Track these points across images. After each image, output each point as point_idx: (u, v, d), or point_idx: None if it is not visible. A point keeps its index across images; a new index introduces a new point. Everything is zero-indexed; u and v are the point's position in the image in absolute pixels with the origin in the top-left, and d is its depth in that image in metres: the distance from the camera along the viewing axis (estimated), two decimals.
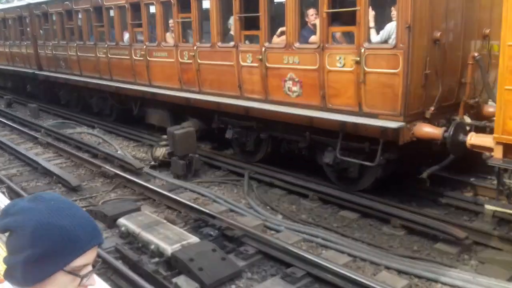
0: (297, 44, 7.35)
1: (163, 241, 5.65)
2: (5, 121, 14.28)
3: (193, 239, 5.71)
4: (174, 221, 6.64)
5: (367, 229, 6.44)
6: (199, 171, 8.95)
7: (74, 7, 13.32)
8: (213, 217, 6.51)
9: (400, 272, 5.27)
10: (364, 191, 7.18)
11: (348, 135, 6.94)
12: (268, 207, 7.34)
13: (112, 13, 11.97)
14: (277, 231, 6.44)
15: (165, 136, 9.32)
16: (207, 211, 6.73)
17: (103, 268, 5.35)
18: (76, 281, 1.27)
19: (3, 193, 7.66)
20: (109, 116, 13.47)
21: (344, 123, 6.78)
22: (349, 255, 5.66)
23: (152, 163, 9.60)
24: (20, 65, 17.45)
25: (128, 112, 12.45)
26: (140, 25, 10.90)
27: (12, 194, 7.79)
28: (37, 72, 15.89)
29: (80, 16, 13.35)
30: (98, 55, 12.59)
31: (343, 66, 6.78)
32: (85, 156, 10.25)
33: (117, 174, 8.72)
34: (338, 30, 7.18)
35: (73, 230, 1.23)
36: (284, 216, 6.99)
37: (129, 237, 6.13)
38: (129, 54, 11.31)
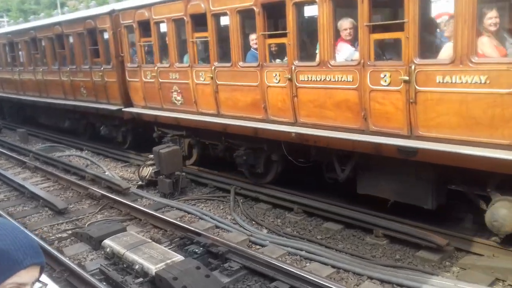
0: None
1: (147, 260, 5.66)
2: None
3: (178, 257, 5.73)
4: (159, 240, 6.66)
5: (350, 239, 6.50)
6: (185, 189, 8.99)
7: (212, 8, 8.16)
8: (198, 234, 6.54)
9: (382, 281, 5.31)
10: (347, 202, 7.25)
11: None
12: (253, 222, 7.39)
13: (312, 10, 7.18)
14: (262, 245, 6.48)
15: (151, 156, 9.36)
16: (192, 228, 6.76)
17: None
18: None
19: None
20: (263, 176, 8.57)
21: None
22: (333, 266, 5.70)
23: (140, 182, 9.64)
24: (88, 98, 12.68)
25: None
26: (397, 27, 5.93)
27: None
28: (124, 109, 11.15)
29: (225, 21, 8.35)
30: (267, 83, 7.42)
31: None
32: (73, 178, 10.27)
33: (104, 195, 8.73)
34: None
35: (5, 250, 1.26)
36: (269, 231, 7.03)
37: (114, 258, 6.13)
38: (358, 82, 6.19)
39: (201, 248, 6.20)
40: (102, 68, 11.77)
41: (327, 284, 4.95)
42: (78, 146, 13.83)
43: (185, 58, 9.15)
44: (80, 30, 12.32)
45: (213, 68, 8.36)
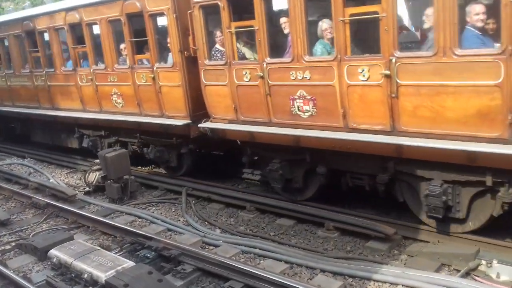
0: None
1: (96, 268, 5.48)
2: None
3: (128, 263, 5.58)
4: (109, 247, 6.46)
5: (303, 234, 6.57)
6: (135, 193, 8.78)
7: None
8: (149, 238, 6.40)
9: (335, 273, 5.40)
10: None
11: None
12: (206, 223, 7.32)
13: None
14: (216, 246, 6.42)
15: (97, 160, 9.06)
16: (143, 233, 6.61)
17: None
18: None
19: None
20: (461, 222, 5.88)
21: None
22: (286, 262, 5.74)
23: (86, 189, 9.31)
24: (124, 109, 9.43)
25: None
26: None
27: None
28: (201, 124, 7.95)
29: None
30: None
31: None
32: (15, 187, 9.78)
33: (48, 204, 8.38)
34: None
35: None
36: (222, 230, 6.99)
37: (61, 268, 5.90)
38: None
39: (153, 253, 6.09)
40: (154, 68, 8.42)
41: (280, 280, 4.98)
42: (19, 153, 13.18)
43: (318, 47, 6.41)
44: (114, 16, 8.89)
45: (393, 60, 5.52)
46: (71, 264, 5.74)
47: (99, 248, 6.18)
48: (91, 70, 9.77)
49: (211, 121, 7.81)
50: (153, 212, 7.95)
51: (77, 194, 8.93)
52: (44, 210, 8.34)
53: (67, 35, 10.22)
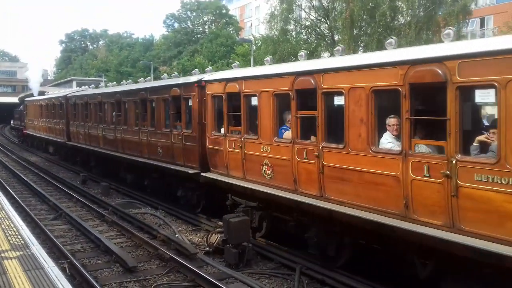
0: None
1: None
2: (78, 197, 15.27)
3: None
4: None
5: None
6: (251, 261, 8.92)
7: None
8: None
9: None
10: None
11: None
12: None
13: None
14: None
15: (221, 223, 9.49)
16: None
17: None
18: None
19: (64, 268, 8.10)
20: None
21: None
22: None
23: (207, 249, 9.73)
24: None
25: None
26: None
27: (73, 270, 8.19)
28: None
29: None
30: None
31: None
32: (145, 236, 10.60)
33: (172, 258, 8.89)
34: None
35: None
36: None
37: None
38: None
39: None
40: None
41: None
42: (153, 204, 14.36)
43: None
44: None
45: None
46: None
47: None
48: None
49: None
50: (266, 285, 7.96)
51: (198, 253, 9.37)
52: (167, 263, 8.87)
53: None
